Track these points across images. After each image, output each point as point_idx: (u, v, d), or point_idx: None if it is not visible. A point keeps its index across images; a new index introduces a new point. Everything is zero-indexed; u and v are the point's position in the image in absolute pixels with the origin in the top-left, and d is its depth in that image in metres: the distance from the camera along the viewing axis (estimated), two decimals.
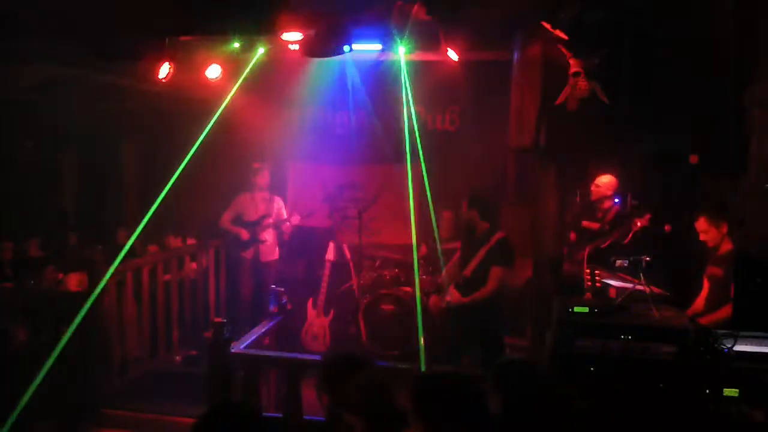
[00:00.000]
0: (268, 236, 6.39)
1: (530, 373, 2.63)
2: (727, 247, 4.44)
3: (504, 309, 4.94)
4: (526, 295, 5.78)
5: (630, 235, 5.48)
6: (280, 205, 6.50)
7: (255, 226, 6.30)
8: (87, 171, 7.32)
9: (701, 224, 4.45)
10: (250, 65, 5.20)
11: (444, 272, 5.11)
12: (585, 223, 6.06)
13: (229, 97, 4.98)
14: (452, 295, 4.71)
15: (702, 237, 4.47)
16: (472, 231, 4.84)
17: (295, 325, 5.99)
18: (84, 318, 4.88)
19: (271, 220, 6.34)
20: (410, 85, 6.34)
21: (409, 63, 5.51)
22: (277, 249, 6.53)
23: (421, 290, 6.06)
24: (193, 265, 6.39)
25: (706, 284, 4.59)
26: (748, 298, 3.34)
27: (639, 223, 5.30)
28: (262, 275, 6.37)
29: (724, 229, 4.43)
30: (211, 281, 6.49)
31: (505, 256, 4.69)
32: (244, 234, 6.29)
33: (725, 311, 4.13)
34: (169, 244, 6.83)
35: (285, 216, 6.45)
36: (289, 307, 5.30)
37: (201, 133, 7.02)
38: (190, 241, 6.84)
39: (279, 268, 6.56)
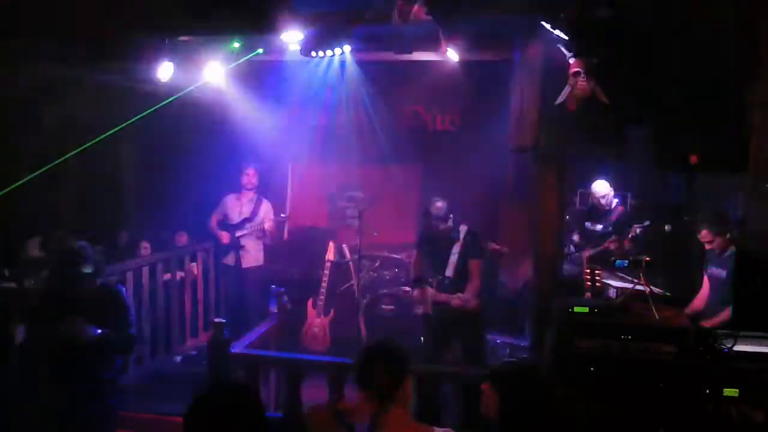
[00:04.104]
0: (249, 242, 6.27)
1: (529, 375, 2.63)
2: (730, 248, 4.43)
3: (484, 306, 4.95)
4: (526, 295, 5.78)
5: (629, 236, 5.50)
6: (267, 208, 6.36)
7: (236, 229, 6.22)
8: (87, 171, 7.31)
9: (705, 236, 4.44)
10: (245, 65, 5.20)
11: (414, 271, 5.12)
12: (588, 224, 6.07)
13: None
14: (463, 299, 4.68)
15: (708, 246, 4.47)
16: (433, 230, 4.84)
17: (295, 325, 6.00)
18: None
19: (251, 224, 6.23)
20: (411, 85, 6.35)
21: (408, 63, 5.52)
22: (261, 255, 6.36)
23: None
24: (193, 265, 6.39)
25: (706, 283, 4.58)
26: (748, 298, 3.34)
27: (638, 230, 5.33)
28: (245, 282, 6.26)
29: (728, 235, 4.41)
30: (211, 281, 6.49)
31: (478, 247, 4.78)
32: (224, 238, 6.20)
33: (728, 313, 4.13)
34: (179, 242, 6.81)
35: (268, 220, 6.35)
36: (288, 306, 5.31)
37: (200, 134, 7.06)
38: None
39: (271, 270, 6.48)
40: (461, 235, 4.75)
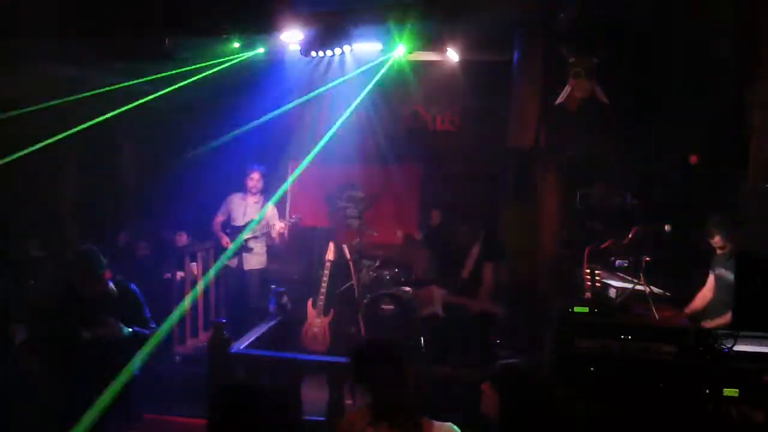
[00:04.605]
0: (255, 245, 6.23)
1: (529, 375, 2.64)
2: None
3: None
4: (526, 295, 5.77)
5: (629, 236, 5.48)
6: (272, 213, 6.31)
7: (240, 230, 6.18)
8: (87, 171, 7.32)
9: (717, 242, 4.40)
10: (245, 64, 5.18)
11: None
12: (588, 223, 6.05)
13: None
14: (481, 303, 4.64)
15: (719, 252, 4.44)
16: (448, 238, 4.81)
17: (295, 325, 5.99)
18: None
19: (260, 227, 6.20)
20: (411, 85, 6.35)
21: (408, 63, 5.52)
22: (265, 257, 6.34)
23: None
24: (193, 265, 6.38)
25: (710, 282, 4.56)
26: (748, 298, 3.34)
27: (636, 230, 5.31)
28: (246, 283, 6.24)
29: (738, 237, 4.37)
30: (211, 281, 6.48)
31: (493, 250, 4.72)
32: (225, 241, 6.15)
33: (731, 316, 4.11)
34: (179, 242, 6.80)
35: (277, 222, 6.34)
36: (288, 306, 5.30)
37: (200, 133, 7.05)
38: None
39: (272, 270, 6.44)
40: (480, 238, 4.69)
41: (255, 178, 6.20)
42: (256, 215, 6.20)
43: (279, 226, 6.14)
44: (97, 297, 3.54)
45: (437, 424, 2.31)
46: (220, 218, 6.28)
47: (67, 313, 3.52)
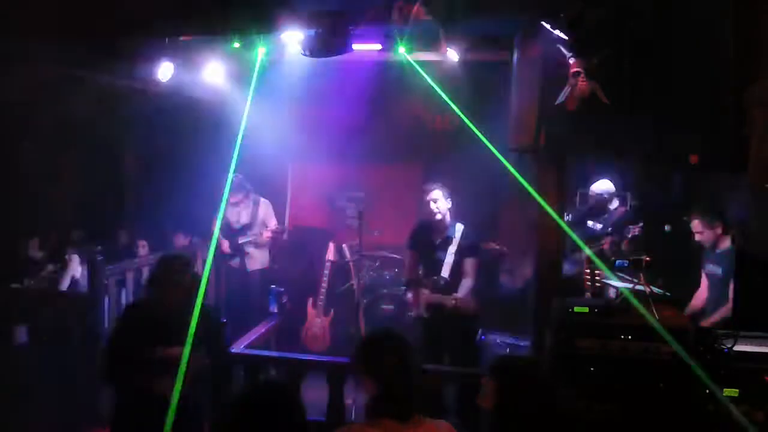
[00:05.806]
0: (252, 248, 6.25)
1: (527, 368, 2.65)
2: (724, 245, 4.46)
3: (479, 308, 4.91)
4: (526, 295, 5.78)
5: (629, 236, 5.49)
6: (266, 210, 6.32)
7: (237, 235, 6.20)
8: (87, 171, 7.32)
9: (696, 226, 4.51)
10: (246, 65, 5.17)
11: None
12: (590, 223, 6.07)
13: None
14: (458, 300, 4.63)
15: (697, 237, 4.52)
16: (431, 232, 4.79)
17: (295, 325, 6.00)
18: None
19: (251, 232, 6.17)
20: (411, 86, 6.34)
21: (409, 63, 5.52)
22: (266, 258, 6.36)
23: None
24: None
25: (704, 281, 4.61)
26: (748, 298, 3.34)
27: (636, 231, 5.34)
28: (248, 284, 6.26)
29: (719, 230, 4.47)
30: (211, 281, 6.48)
31: (474, 246, 4.74)
32: (225, 247, 6.16)
33: (726, 311, 4.15)
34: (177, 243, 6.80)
35: (274, 221, 6.31)
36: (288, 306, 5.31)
37: (201, 133, 7.05)
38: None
39: (272, 270, 6.45)
40: (457, 234, 4.71)
41: (235, 187, 6.09)
42: (251, 218, 6.21)
43: (266, 235, 6.13)
44: (176, 312, 3.12)
45: (430, 420, 2.32)
46: (217, 223, 6.26)
47: (140, 327, 3.16)
